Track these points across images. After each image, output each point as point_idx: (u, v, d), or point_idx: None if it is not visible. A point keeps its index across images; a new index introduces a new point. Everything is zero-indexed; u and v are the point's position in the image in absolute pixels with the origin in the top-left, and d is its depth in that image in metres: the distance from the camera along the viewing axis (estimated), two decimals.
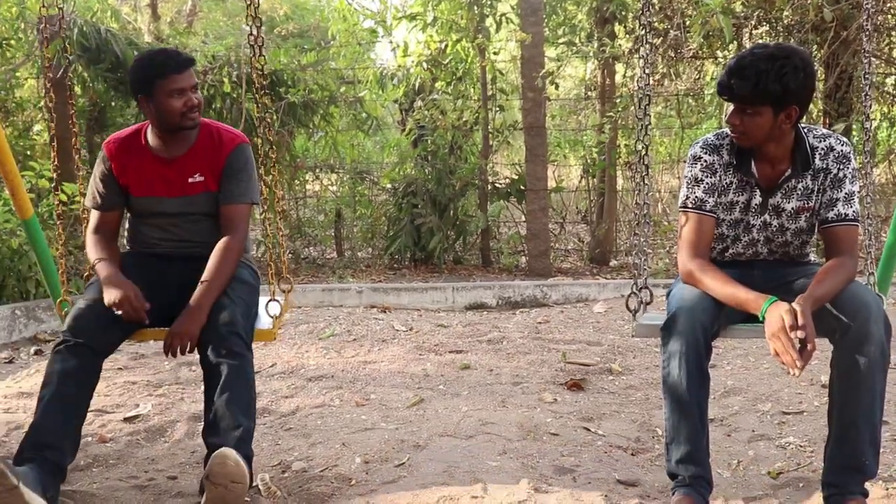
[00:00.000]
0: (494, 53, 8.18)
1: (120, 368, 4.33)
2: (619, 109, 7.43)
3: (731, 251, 2.67)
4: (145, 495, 2.70)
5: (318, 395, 3.79)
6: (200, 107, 2.86)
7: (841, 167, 2.50)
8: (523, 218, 8.26)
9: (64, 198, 3.02)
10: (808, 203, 2.54)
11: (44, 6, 3.15)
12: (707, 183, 2.56)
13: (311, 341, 4.93)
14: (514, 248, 8.50)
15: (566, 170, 9.91)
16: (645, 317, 2.65)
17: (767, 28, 6.59)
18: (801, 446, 3.05)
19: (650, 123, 2.71)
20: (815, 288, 2.31)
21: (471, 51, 8.02)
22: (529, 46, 7.44)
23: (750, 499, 2.60)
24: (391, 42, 8.86)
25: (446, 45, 8.12)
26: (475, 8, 7.87)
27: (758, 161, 2.53)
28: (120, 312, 2.64)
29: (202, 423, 2.69)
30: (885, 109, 7.46)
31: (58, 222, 3.11)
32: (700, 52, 6.95)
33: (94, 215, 2.97)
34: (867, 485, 2.38)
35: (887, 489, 2.60)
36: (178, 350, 2.65)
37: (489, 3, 8.04)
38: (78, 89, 7.68)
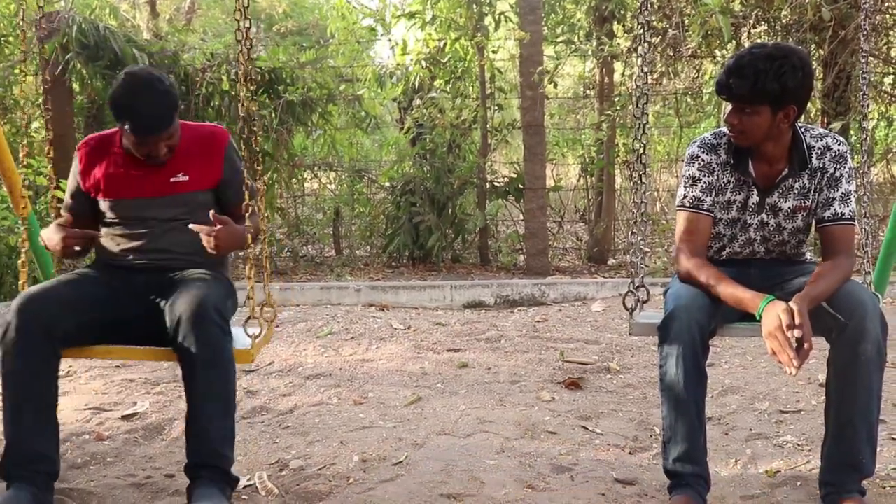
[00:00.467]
0: (493, 52, 8.18)
1: (118, 366, 4.33)
2: (618, 108, 7.44)
3: (727, 250, 2.67)
4: (143, 493, 2.69)
5: (315, 394, 3.79)
6: (173, 148, 2.67)
7: (838, 166, 2.50)
8: (522, 216, 8.27)
9: (61, 195, 3.01)
10: (804, 202, 2.54)
11: (39, 6, 3.08)
12: (704, 182, 2.57)
13: (309, 339, 4.93)
14: (513, 246, 8.50)
15: (564, 168, 9.91)
16: (642, 315, 2.65)
17: (766, 27, 6.60)
18: (798, 445, 3.06)
19: (648, 122, 2.71)
20: (811, 287, 2.31)
21: (469, 49, 8.02)
22: (528, 45, 7.44)
23: (747, 497, 2.61)
24: (390, 40, 8.86)
25: (445, 44, 8.13)
26: (474, 6, 7.87)
27: (755, 160, 2.54)
28: (62, 250, 2.53)
29: None
30: (883, 109, 7.47)
31: (54, 218, 3.08)
32: (698, 51, 6.96)
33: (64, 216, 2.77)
34: (864, 483, 2.38)
35: (884, 487, 2.61)
36: (213, 242, 2.50)
37: (488, 1, 8.04)
38: (76, 86, 7.68)
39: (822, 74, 6.78)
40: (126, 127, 2.57)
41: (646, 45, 2.69)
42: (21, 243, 2.94)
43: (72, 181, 2.80)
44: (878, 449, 2.46)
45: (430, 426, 3.29)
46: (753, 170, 2.54)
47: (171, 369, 4.24)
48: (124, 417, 3.47)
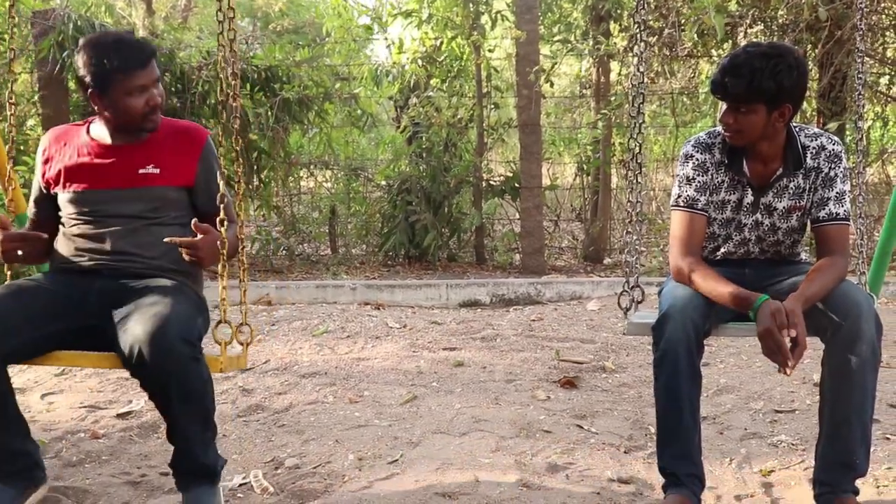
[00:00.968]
0: (489, 51, 8.19)
1: None
2: (614, 107, 7.45)
3: (722, 250, 2.67)
4: (138, 491, 2.69)
5: (311, 392, 3.79)
6: (163, 105, 2.45)
7: (832, 166, 2.50)
8: (517, 215, 8.28)
9: None
10: (799, 202, 2.54)
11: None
12: (699, 181, 2.57)
13: (304, 338, 4.92)
14: (509, 245, 8.51)
15: (561, 167, 9.93)
16: (637, 315, 2.65)
17: (762, 27, 6.61)
18: (792, 444, 3.06)
19: (644, 121, 2.71)
20: (806, 287, 2.31)
21: (466, 48, 8.03)
22: (524, 44, 7.45)
23: (742, 496, 2.62)
24: (386, 39, 8.86)
25: (441, 43, 8.13)
26: (470, 5, 7.87)
27: (749, 160, 2.54)
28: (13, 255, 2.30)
29: None
30: (878, 109, 7.49)
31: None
32: (694, 50, 6.97)
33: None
34: (858, 482, 2.39)
35: (878, 487, 2.62)
36: (190, 251, 2.24)
37: (484, 0, 8.04)
38: (72, 84, 7.65)
39: (817, 75, 6.80)
40: (125, 69, 2.33)
41: (642, 44, 2.69)
42: None
43: (35, 181, 2.59)
44: (872, 448, 2.47)
45: (425, 425, 3.29)
46: (748, 169, 2.54)
47: None
48: (119, 416, 3.47)
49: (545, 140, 8.84)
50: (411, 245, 8.07)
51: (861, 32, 2.85)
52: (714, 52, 7.05)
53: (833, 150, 2.51)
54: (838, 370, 2.30)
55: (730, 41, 6.50)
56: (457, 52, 8.10)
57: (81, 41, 2.44)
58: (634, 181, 2.71)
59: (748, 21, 6.46)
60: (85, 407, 3.58)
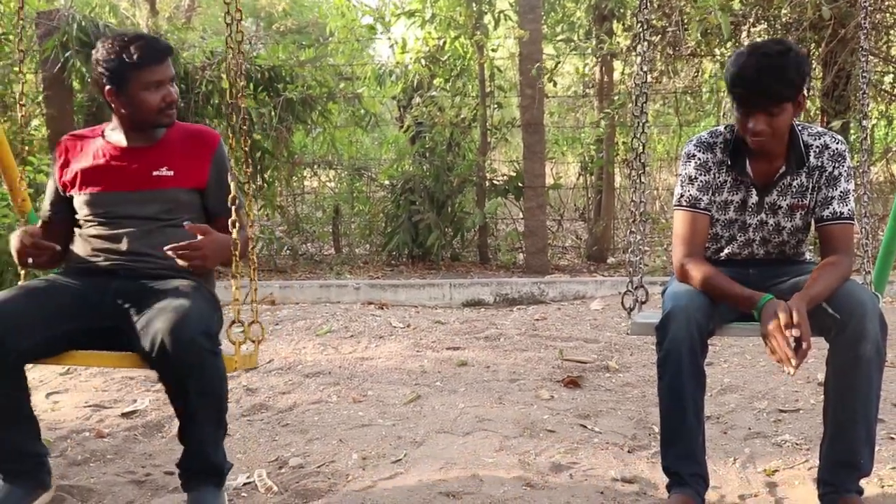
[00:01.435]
0: (493, 50, 8.18)
1: None
2: (617, 106, 7.44)
3: (726, 251, 2.66)
4: (142, 490, 2.70)
5: (315, 392, 3.79)
6: (178, 101, 2.53)
7: (836, 165, 2.50)
8: (521, 215, 8.27)
9: None
10: (802, 201, 2.54)
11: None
12: (701, 181, 2.56)
13: (308, 337, 4.93)
14: (512, 245, 8.51)
15: (564, 167, 9.91)
16: (640, 315, 2.65)
17: (765, 26, 6.60)
18: (796, 444, 3.06)
19: (647, 121, 2.71)
20: (810, 286, 2.31)
21: (469, 48, 8.02)
22: (527, 43, 7.44)
23: (746, 496, 2.61)
24: (389, 39, 8.85)
25: (445, 42, 8.12)
26: (473, 5, 7.87)
27: (753, 159, 2.53)
28: (24, 257, 2.34)
29: None
30: (883, 108, 7.47)
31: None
32: (698, 49, 6.96)
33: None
34: (862, 482, 2.39)
35: (882, 486, 2.61)
36: (188, 258, 2.26)
37: (487, 0, 8.04)
38: (76, 84, 7.67)
39: (821, 73, 6.79)
40: (142, 65, 2.40)
41: (645, 43, 2.68)
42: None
43: (50, 183, 2.63)
44: (877, 448, 2.47)
45: (429, 424, 3.30)
46: (751, 170, 2.53)
47: None
48: (124, 415, 3.47)
49: (548, 139, 8.83)
50: (415, 244, 8.07)
51: (865, 31, 2.84)
52: (717, 51, 7.04)
53: (837, 148, 2.50)
54: (843, 370, 2.30)
55: (733, 40, 6.49)
56: (460, 51, 8.09)
57: (99, 41, 2.49)
58: (638, 181, 2.71)
59: (751, 20, 6.45)
60: (90, 406, 3.59)
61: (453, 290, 6.55)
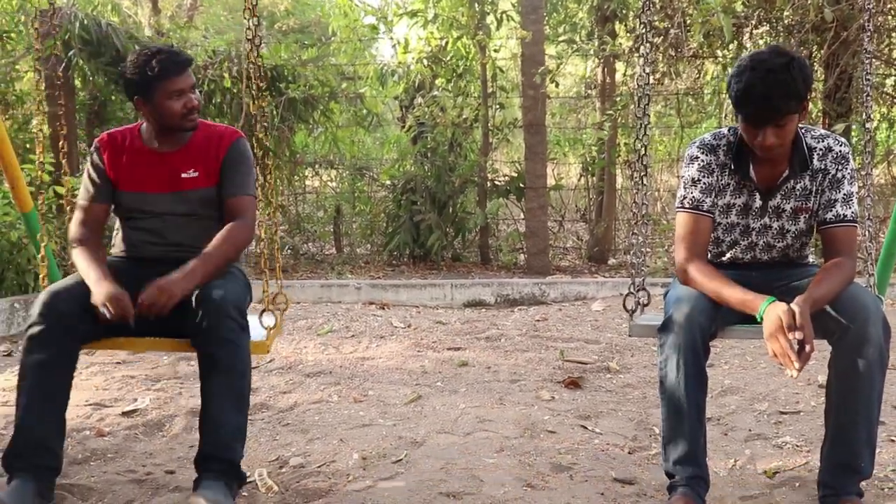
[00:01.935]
0: (495, 51, 8.18)
1: (118, 363, 4.34)
2: (619, 108, 7.44)
3: (729, 255, 2.65)
4: (143, 489, 2.70)
5: (315, 391, 3.79)
6: (199, 107, 2.78)
7: (839, 168, 2.49)
8: (522, 216, 8.27)
9: (63, 191, 3.01)
10: (805, 204, 2.53)
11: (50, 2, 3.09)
12: (704, 183, 2.56)
13: (309, 337, 4.93)
14: (513, 245, 8.51)
15: (566, 168, 9.91)
16: (642, 317, 2.65)
17: (768, 28, 6.60)
18: (797, 446, 3.06)
19: (650, 122, 2.71)
20: (813, 289, 2.30)
21: (471, 48, 8.02)
22: (530, 44, 7.44)
23: (746, 498, 2.61)
24: (392, 39, 8.86)
25: (447, 42, 8.13)
26: (476, 5, 7.87)
27: (756, 163, 2.52)
28: (106, 311, 2.45)
29: None
30: (885, 110, 7.47)
31: (57, 216, 3.08)
32: (700, 51, 6.96)
33: (81, 208, 2.80)
34: (863, 485, 2.39)
35: (883, 489, 2.61)
36: (153, 308, 2.46)
37: (490, 0, 8.04)
38: (78, 83, 7.68)
39: (823, 76, 6.79)
40: (164, 76, 2.66)
41: (648, 44, 2.68)
42: (40, 238, 3.01)
43: (94, 169, 2.82)
44: (878, 450, 2.47)
45: (429, 424, 3.30)
46: (755, 174, 2.52)
47: (172, 366, 4.25)
48: (125, 414, 3.48)
49: (550, 140, 8.83)
50: (416, 245, 8.07)
51: (869, 34, 2.84)
52: (720, 53, 7.04)
53: (840, 151, 2.49)
54: (845, 373, 2.30)
55: (735, 42, 6.49)
56: (462, 52, 8.10)
57: (129, 55, 2.77)
58: (640, 182, 2.71)
59: (754, 22, 6.45)
60: (91, 405, 3.59)
61: (454, 290, 6.55)
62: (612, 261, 8.25)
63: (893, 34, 6.89)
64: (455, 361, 4.31)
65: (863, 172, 2.85)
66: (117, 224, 2.91)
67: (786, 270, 2.62)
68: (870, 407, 2.29)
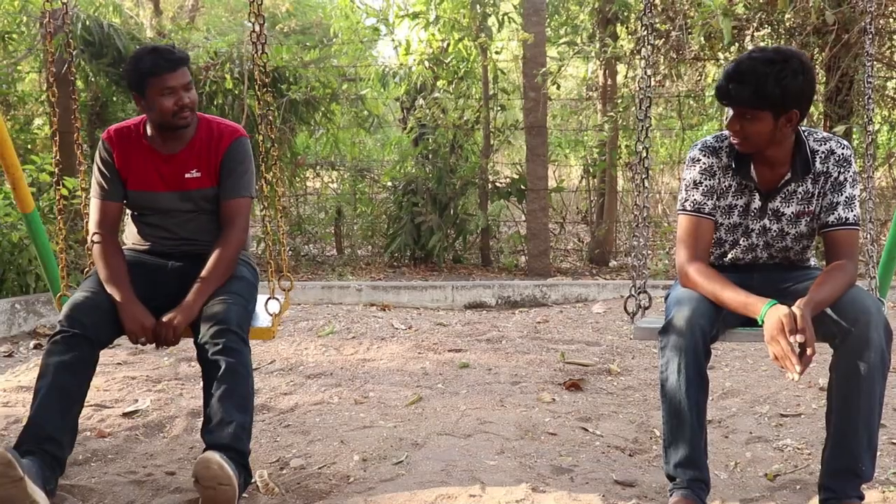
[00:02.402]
0: (496, 53, 8.19)
1: (119, 363, 4.34)
2: (620, 110, 7.44)
3: (730, 256, 2.66)
4: (143, 490, 2.70)
5: (316, 393, 3.79)
6: (194, 105, 2.82)
7: (841, 171, 2.49)
8: (523, 217, 8.28)
9: (65, 192, 3.01)
10: (808, 207, 2.53)
11: (47, 0, 3.11)
12: (705, 185, 2.56)
13: (310, 338, 4.93)
14: (514, 247, 8.51)
15: (567, 170, 9.92)
16: (644, 320, 2.65)
17: (769, 31, 6.60)
18: (798, 448, 3.06)
19: (651, 125, 2.71)
20: (815, 292, 2.30)
21: (473, 50, 8.03)
22: (531, 46, 7.45)
23: (747, 500, 2.61)
24: (393, 40, 8.86)
25: (448, 44, 8.13)
26: (477, 7, 7.87)
27: (757, 164, 2.52)
28: (142, 340, 2.65)
29: (201, 419, 2.69)
30: (886, 113, 7.47)
31: (59, 216, 3.09)
32: (701, 53, 6.96)
33: (96, 206, 2.89)
34: (863, 488, 2.38)
35: (883, 493, 2.61)
36: (163, 341, 2.65)
37: (492, 2, 8.04)
38: (80, 83, 7.68)
39: (825, 78, 6.78)
40: (155, 72, 2.71)
41: (649, 47, 2.68)
42: (57, 233, 3.04)
43: (104, 165, 2.88)
44: (879, 453, 2.47)
45: (430, 426, 3.29)
46: (755, 174, 2.52)
47: (173, 367, 4.25)
48: (125, 415, 3.47)
49: (551, 142, 8.83)
50: (417, 246, 8.08)
51: (870, 36, 2.84)
52: (721, 55, 7.04)
53: (842, 154, 2.49)
54: (846, 377, 2.29)
55: (737, 44, 6.49)
56: (464, 53, 8.10)
57: (130, 56, 2.84)
58: (641, 184, 2.70)
59: (755, 24, 6.45)
60: (91, 406, 3.59)
61: (455, 292, 6.55)
62: (613, 263, 8.25)
63: (895, 37, 6.89)
64: (456, 363, 4.31)
65: (864, 175, 2.85)
66: (129, 215, 3.01)
67: (787, 273, 2.62)
68: (871, 410, 2.29)
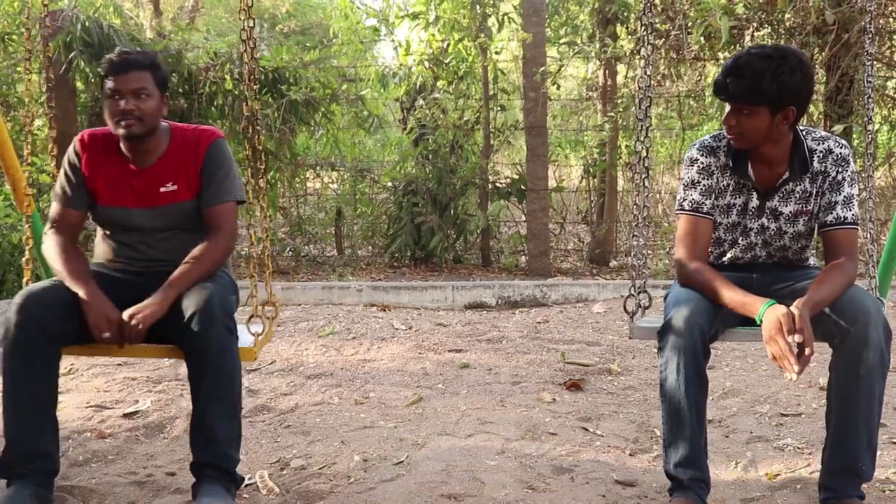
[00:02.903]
0: (496, 53, 8.18)
1: (119, 364, 4.34)
2: (621, 110, 7.44)
3: (729, 255, 2.66)
4: (144, 491, 2.70)
5: (317, 393, 3.79)
6: (143, 114, 2.56)
7: (840, 170, 2.49)
8: (523, 218, 8.27)
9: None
10: (806, 206, 2.53)
11: (44, 3, 3.10)
12: (704, 185, 2.56)
13: (310, 339, 4.93)
14: (514, 247, 8.50)
15: (567, 170, 9.91)
16: (643, 319, 2.65)
17: (769, 30, 6.60)
18: (798, 448, 3.06)
19: (651, 125, 2.71)
20: (814, 292, 2.30)
21: (473, 50, 8.03)
22: (531, 46, 7.45)
23: (747, 500, 2.61)
24: (393, 41, 8.86)
25: (448, 45, 8.13)
26: (477, 7, 7.87)
27: (755, 163, 2.52)
28: (107, 335, 2.39)
29: None
30: (886, 112, 7.47)
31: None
32: (701, 53, 6.96)
33: (56, 210, 2.68)
34: (864, 488, 2.38)
35: (884, 491, 2.61)
36: (128, 337, 2.40)
37: (491, 2, 8.04)
38: (80, 85, 7.68)
39: (824, 78, 6.79)
40: (106, 73, 2.57)
41: (649, 47, 2.68)
42: (25, 241, 2.95)
43: (71, 171, 2.70)
44: (879, 453, 2.47)
45: (430, 426, 3.30)
46: (753, 173, 2.53)
47: (173, 367, 4.25)
48: (126, 415, 3.48)
49: (551, 142, 8.83)
50: (417, 247, 8.07)
51: (870, 36, 2.84)
52: (721, 55, 7.04)
53: (841, 153, 2.49)
54: (846, 377, 2.30)
55: (736, 44, 6.48)
56: (463, 54, 8.10)
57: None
58: (641, 184, 2.71)
59: (755, 24, 6.45)
60: (91, 406, 3.59)
61: (455, 292, 6.55)
62: (613, 263, 8.25)
63: (894, 36, 6.89)
64: (456, 363, 4.31)
65: (864, 175, 2.85)
66: (99, 231, 2.81)
67: (786, 272, 2.62)
68: (870, 410, 2.29)
